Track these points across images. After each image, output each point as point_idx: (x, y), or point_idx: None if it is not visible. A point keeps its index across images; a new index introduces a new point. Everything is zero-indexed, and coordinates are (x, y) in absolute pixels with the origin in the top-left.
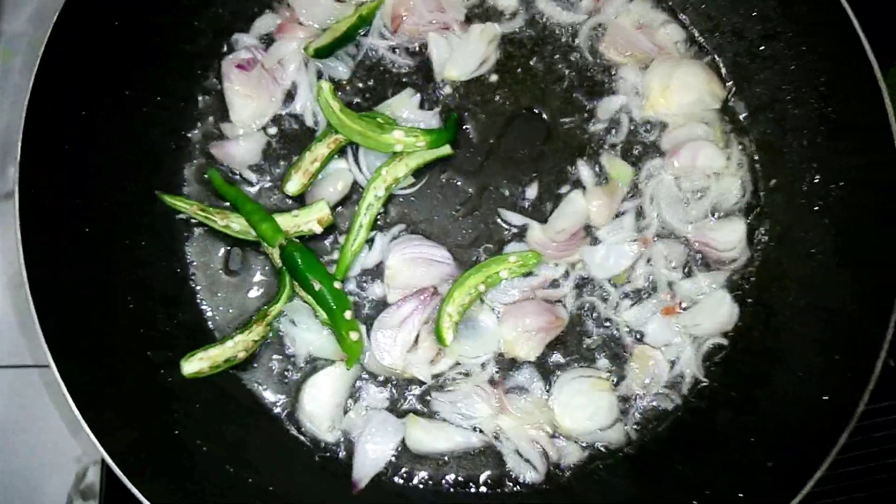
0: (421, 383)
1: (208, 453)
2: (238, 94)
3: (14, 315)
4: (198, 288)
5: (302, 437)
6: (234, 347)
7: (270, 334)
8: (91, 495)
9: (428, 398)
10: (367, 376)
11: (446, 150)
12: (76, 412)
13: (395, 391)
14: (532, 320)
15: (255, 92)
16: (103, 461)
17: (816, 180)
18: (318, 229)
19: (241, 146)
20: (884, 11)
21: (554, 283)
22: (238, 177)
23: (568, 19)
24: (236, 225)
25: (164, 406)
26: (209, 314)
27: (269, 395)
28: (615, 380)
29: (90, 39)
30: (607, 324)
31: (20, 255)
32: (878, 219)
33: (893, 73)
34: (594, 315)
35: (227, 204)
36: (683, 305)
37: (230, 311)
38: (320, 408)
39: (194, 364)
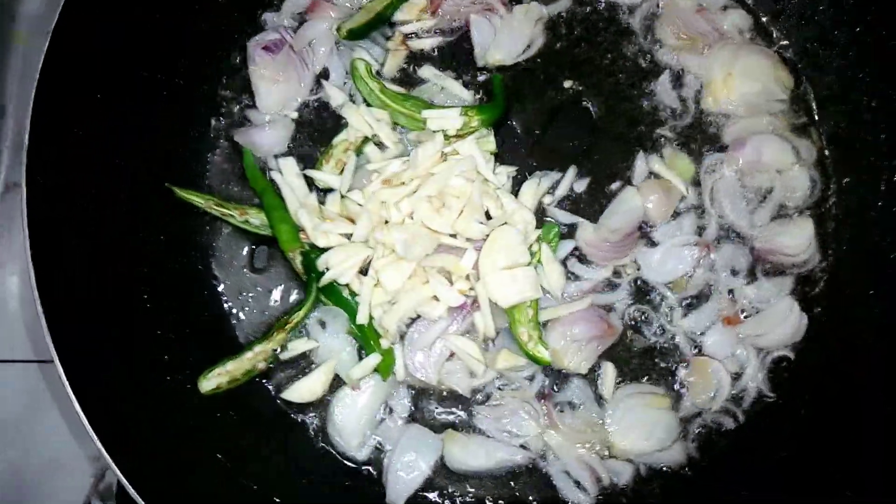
0: (461, 397)
1: (228, 468)
2: (264, 79)
3: (32, 309)
4: (220, 286)
5: (332, 452)
6: (254, 358)
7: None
8: (110, 496)
9: (471, 413)
10: (403, 388)
11: (490, 145)
12: (82, 416)
13: (433, 404)
14: (582, 328)
15: (282, 76)
16: None
17: (895, 179)
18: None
19: (268, 134)
20: None
21: (606, 288)
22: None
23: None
24: (256, 220)
25: (181, 415)
26: (233, 314)
27: (295, 406)
28: (674, 395)
29: (103, 18)
30: (664, 334)
31: (26, 248)
32: None
33: None
34: (649, 324)
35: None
36: (746, 314)
37: (255, 311)
38: (351, 422)
39: (212, 381)
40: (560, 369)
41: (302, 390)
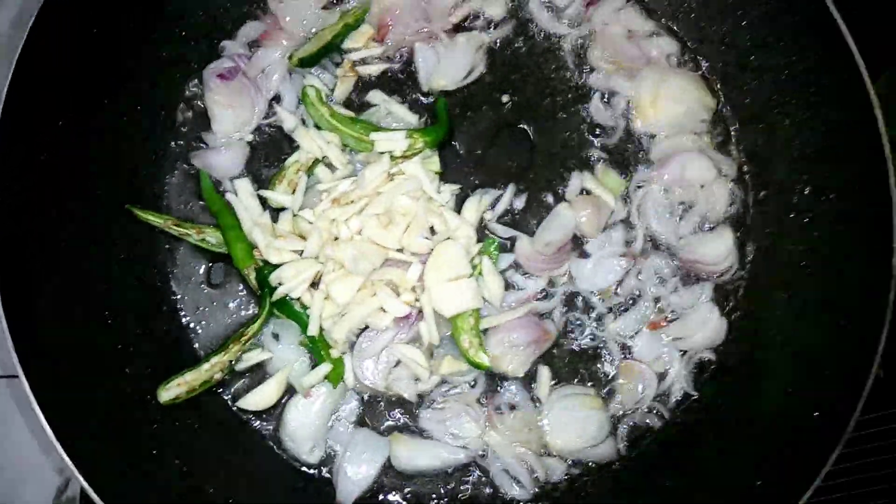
0: (407, 402)
1: (187, 473)
2: (219, 104)
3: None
4: (179, 302)
5: (284, 457)
6: (211, 370)
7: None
8: None
9: (416, 416)
10: (352, 394)
11: (435, 165)
12: (47, 429)
13: (381, 409)
14: (520, 335)
15: (237, 101)
16: None
17: (806, 192)
18: None
19: (223, 157)
20: (872, 19)
21: (542, 297)
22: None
23: (557, 28)
24: (213, 238)
25: (142, 424)
26: (191, 328)
27: (251, 413)
28: (605, 396)
29: (67, 46)
30: (595, 339)
31: None
32: (867, 230)
33: (883, 82)
34: (582, 330)
35: (206, 218)
36: (670, 319)
37: (212, 324)
38: (303, 428)
39: (171, 391)
40: (499, 373)
41: (257, 399)
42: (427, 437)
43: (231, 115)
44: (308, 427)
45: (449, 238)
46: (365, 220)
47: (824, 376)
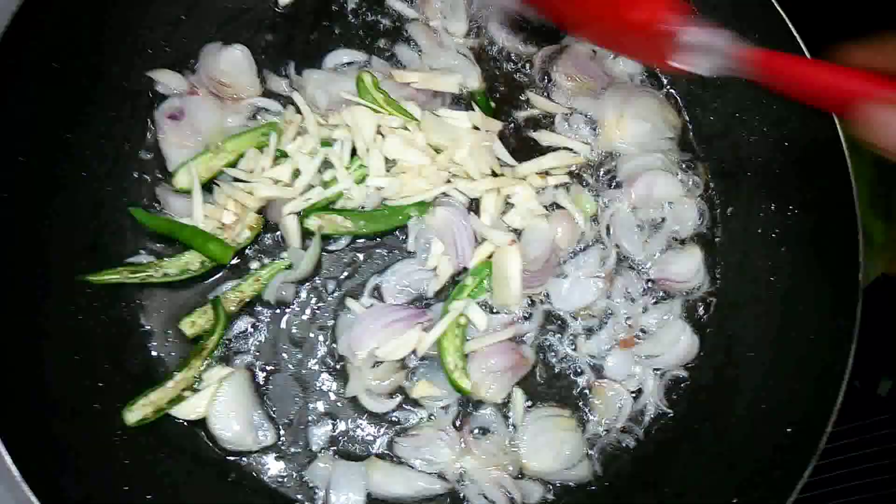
0: (383, 427)
1: None
2: (173, 145)
3: None
4: (148, 333)
5: (265, 483)
6: (176, 387)
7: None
8: None
9: (392, 443)
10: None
11: None
12: (12, 467)
13: (359, 435)
14: (497, 360)
15: (190, 141)
16: None
17: (772, 208)
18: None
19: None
20: (831, 34)
21: (522, 319)
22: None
23: (520, 47)
24: (173, 269)
25: (111, 458)
26: (161, 358)
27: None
28: (580, 416)
29: (25, 81)
30: (567, 359)
31: None
32: (834, 244)
33: None
34: (555, 351)
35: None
36: (642, 337)
37: (182, 353)
38: (232, 426)
39: (137, 412)
40: (476, 399)
41: (187, 408)
42: (403, 465)
43: (185, 154)
44: (236, 423)
45: None
46: None
47: (796, 390)
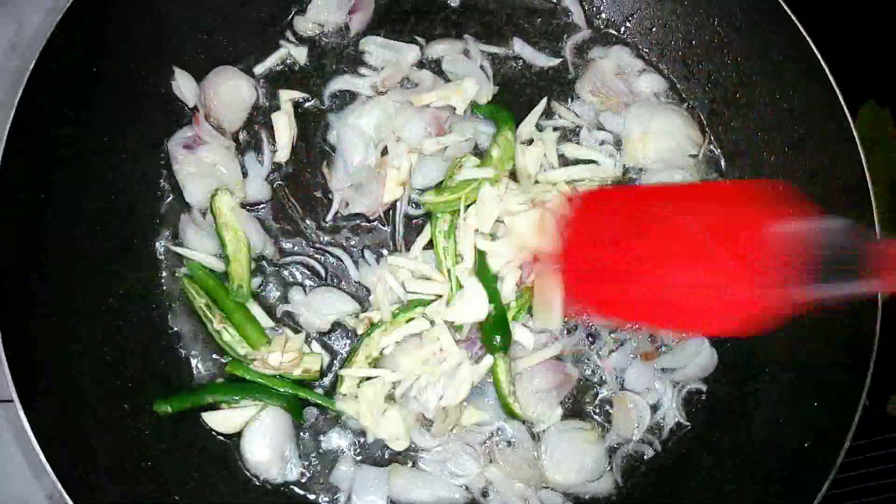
0: None
1: None
2: (189, 176)
3: None
4: (178, 336)
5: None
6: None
7: None
8: None
9: (416, 457)
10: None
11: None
12: (43, 459)
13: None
14: (542, 380)
15: (208, 169)
16: None
17: None
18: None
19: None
20: (851, 52)
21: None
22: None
23: (544, 62)
24: (228, 336)
25: (139, 455)
26: (190, 363)
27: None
28: (602, 429)
29: (67, 87)
30: (590, 371)
31: None
32: None
33: (864, 114)
34: (581, 363)
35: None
36: (662, 350)
37: (210, 357)
38: (264, 450)
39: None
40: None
41: (222, 420)
42: (426, 472)
43: (203, 184)
44: (269, 449)
45: None
46: None
47: (814, 406)
